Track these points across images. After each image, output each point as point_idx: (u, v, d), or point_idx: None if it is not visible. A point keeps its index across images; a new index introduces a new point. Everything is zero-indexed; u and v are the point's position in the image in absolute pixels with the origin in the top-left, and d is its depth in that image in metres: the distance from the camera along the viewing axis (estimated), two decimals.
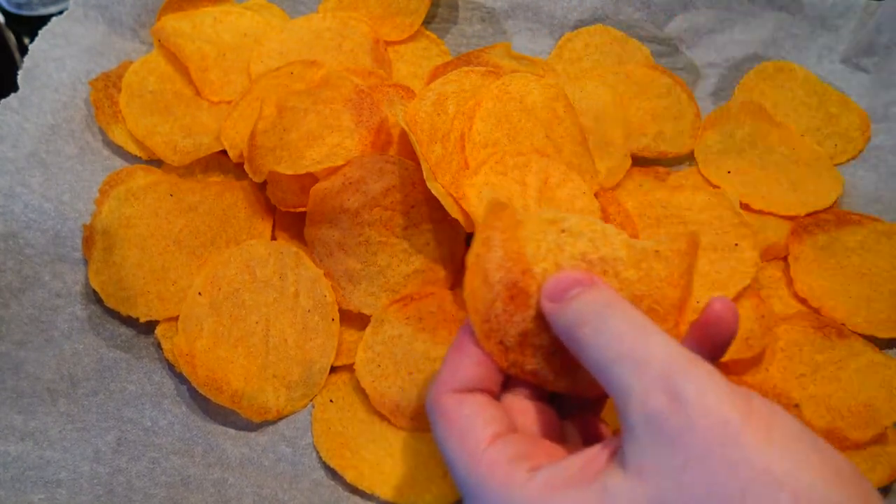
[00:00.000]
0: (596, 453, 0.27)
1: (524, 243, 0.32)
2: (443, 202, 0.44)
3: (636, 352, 0.26)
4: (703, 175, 0.55)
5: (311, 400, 0.46)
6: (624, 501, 0.25)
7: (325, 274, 0.47)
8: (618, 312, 0.28)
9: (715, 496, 0.23)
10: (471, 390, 0.31)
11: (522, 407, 0.32)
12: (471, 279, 0.32)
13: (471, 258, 0.32)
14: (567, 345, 0.30)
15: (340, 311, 0.47)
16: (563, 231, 0.32)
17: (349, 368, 0.47)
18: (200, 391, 0.45)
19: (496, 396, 0.32)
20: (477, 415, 0.30)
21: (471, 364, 0.32)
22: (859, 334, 0.47)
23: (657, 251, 0.32)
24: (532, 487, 0.27)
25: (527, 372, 0.32)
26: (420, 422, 0.44)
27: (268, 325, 0.47)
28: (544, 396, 0.33)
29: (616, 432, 0.32)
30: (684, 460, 0.24)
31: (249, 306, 0.47)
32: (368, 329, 0.46)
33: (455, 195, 0.45)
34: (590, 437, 0.33)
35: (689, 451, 0.24)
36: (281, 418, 0.46)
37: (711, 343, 0.30)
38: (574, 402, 0.34)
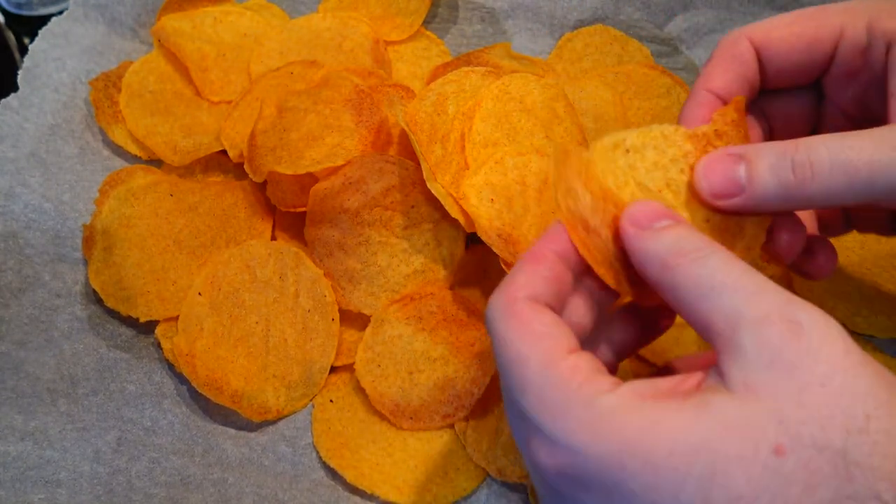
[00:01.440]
0: (682, 379, 0.26)
1: (604, 179, 0.31)
2: (443, 202, 0.44)
3: (749, 285, 0.26)
4: None
5: (311, 400, 0.46)
6: (733, 416, 0.24)
7: (325, 274, 0.47)
8: (720, 250, 0.27)
9: (838, 418, 0.23)
10: (545, 304, 0.29)
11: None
12: (573, 234, 0.31)
13: (563, 214, 0.31)
14: (647, 270, 0.29)
15: (340, 311, 0.47)
16: (627, 151, 0.32)
17: (349, 368, 0.47)
18: (200, 391, 0.45)
19: None
20: (557, 325, 0.28)
21: (551, 277, 0.29)
22: (859, 334, 0.47)
23: (715, 130, 0.32)
24: (620, 394, 0.25)
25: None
26: (420, 421, 0.44)
27: (268, 325, 0.47)
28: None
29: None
30: (805, 383, 0.23)
31: (249, 306, 0.47)
32: (368, 329, 0.46)
33: (455, 195, 0.45)
34: None
35: (810, 376, 0.24)
36: (281, 418, 0.46)
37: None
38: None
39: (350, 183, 0.47)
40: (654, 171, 0.32)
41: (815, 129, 0.38)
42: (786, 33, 0.33)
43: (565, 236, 0.30)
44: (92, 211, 0.51)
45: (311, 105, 0.51)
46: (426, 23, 0.61)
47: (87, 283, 0.49)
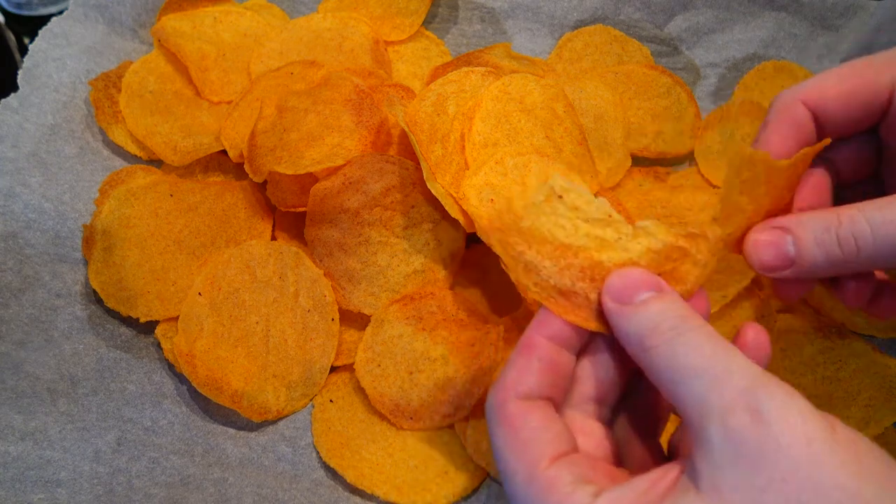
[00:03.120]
0: (661, 475, 0.26)
1: (553, 235, 0.30)
2: (443, 202, 0.44)
3: (716, 367, 0.25)
4: (703, 175, 0.55)
5: (311, 399, 0.46)
6: None
7: (325, 274, 0.47)
8: (695, 326, 0.27)
9: None
10: (537, 397, 0.30)
11: (585, 427, 0.31)
12: (554, 306, 0.30)
13: (533, 294, 0.30)
14: (628, 349, 0.29)
15: (340, 311, 0.47)
16: (560, 196, 0.30)
17: (349, 368, 0.47)
18: (201, 391, 0.44)
19: (559, 405, 0.31)
20: (544, 429, 0.29)
21: (541, 368, 0.30)
22: (859, 334, 0.47)
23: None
24: None
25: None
26: (420, 421, 0.44)
27: (268, 325, 0.47)
28: (605, 415, 0.32)
29: (673, 455, 0.31)
30: (768, 480, 0.23)
31: (249, 306, 0.47)
32: (368, 329, 0.46)
33: (455, 195, 0.45)
34: (649, 462, 0.32)
35: (773, 471, 0.23)
36: (281, 418, 0.46)
37: None
38: (635, 424, 0.33)
39: (350, 183, 0.47)
40: (594, 203, 0.31)
41: (876, 170, 0.38)
42: (841, 92, 0.33)
43: (551, 315, 0.30)
44: (92, 211, 0.51)
45: (311, 105, 0.51)
46: (426, 23, 0.61)
47: (87, 284, 0.49)
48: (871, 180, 0.38)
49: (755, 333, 0.30)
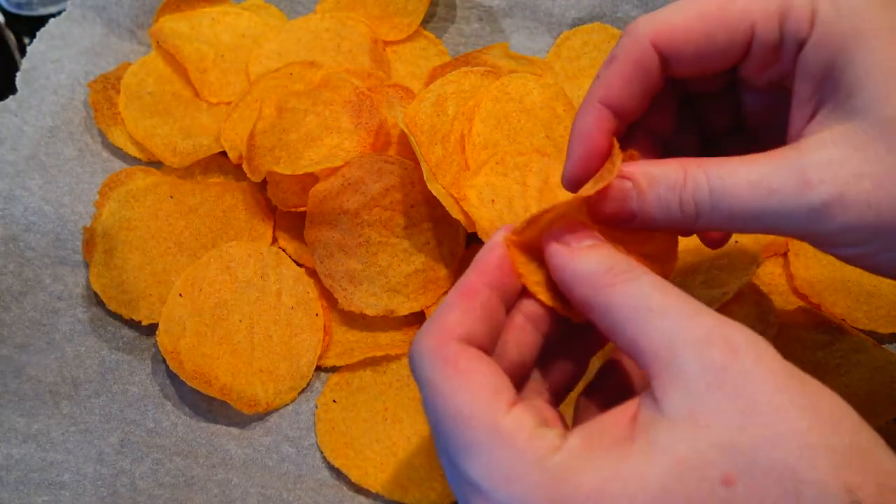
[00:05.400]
0: (622, 413, 0.25)
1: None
2: (444, 203, 0.44)
3: (685, 306, 0.25)
4: None
5: (298, 393, 0.46)
6: (682, 453, 0.23)
7: (325, 275, 0.48)
8: (647, 272, 0.27)
9: (782, 436, 0.23)
10: (476, 345, 0.28)
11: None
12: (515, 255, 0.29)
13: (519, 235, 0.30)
14: (575, 291, 0.28)
15: (342, 311, 0.47)
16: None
17: (352, 368, 0.47)
18: (190, 385, 0.44)
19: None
20: (496, 373, 0.26)
21: (483, 314, 0.28)
22: (860, 330, 0.47)
23: None
24: (570, 450, 0.24)
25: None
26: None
27: (251, 324, 0.47)
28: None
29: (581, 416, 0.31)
30: (748, 403, 0.23)
31: (231, 306, 0.47)
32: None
33: (456, 196, 0.45)
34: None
35: (752, 395, 0.23)
36: (271, 411, 0.46)
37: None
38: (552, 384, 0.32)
39: (349, 184, 0.47)
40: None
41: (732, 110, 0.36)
42: (694, 35, 0.30)
43: (496, 263, 0.29)
44: (92, 213, 0.51)
45: (310, 106, 0.51)
46: (424, 22, 0.61)
47: (88, 286, 0.49)
48: (740, 129, 0.36)
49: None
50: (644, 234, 0.31)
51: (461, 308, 0.28)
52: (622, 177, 0.30)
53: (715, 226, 0.30)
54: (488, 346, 0.28)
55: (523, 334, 0.30)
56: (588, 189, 0.30)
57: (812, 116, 0.30)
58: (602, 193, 0.30)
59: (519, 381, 0.30)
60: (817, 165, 0.28)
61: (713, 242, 0.38)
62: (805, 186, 0.27)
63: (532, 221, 0.29)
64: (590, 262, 0.27)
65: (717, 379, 0.24)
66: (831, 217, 0.28)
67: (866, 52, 0.28)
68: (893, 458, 0.23)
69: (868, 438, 0.23)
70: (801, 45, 0.29)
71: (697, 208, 0.29)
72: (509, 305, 0.30)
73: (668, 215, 0.30)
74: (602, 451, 0.24)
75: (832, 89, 0.29)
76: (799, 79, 0.30)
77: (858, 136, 0.28)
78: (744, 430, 0.23)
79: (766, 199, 0.28)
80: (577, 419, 0.31)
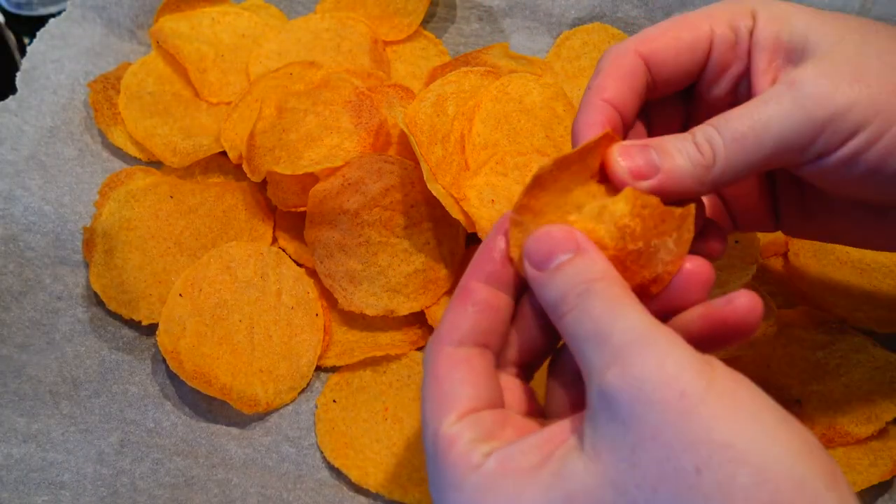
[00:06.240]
0: (558, 431, 0.26)
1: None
2: (444, 203, 0.44)
3: (602, 328, 0.25)
4: None
5: (298, 393, 0.46)
6: (578, 486, 0.23)
7: (325, 275, 0.48)
8: (599, 289, 0.26)
9: (668, 476, 0.22)
10: (471, 344, 0.29)
11: (508, 382, 0.30)
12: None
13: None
14: (549, 315, 0.28)
15: (342, 311, 0.47)
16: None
17: (351, 368, 0.47)
18: (190, 384, 0.44)
19: (498, 351, 0.30)
20: (464, 382, 0.28)
21: (476, 313, 0.29)
22: (860, 329, 0.47)
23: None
24: (483, 471, 0.25)
25: None
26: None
27: (251, 324, 0.47)
28: (528, 374, 0.32)
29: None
30: (638, 438, 0.23)
31: (231, 306, 0.47)
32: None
33: (456, 196, 0.45)
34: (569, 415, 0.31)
35: (642, 429, 0.23)
36: (271, 411, 0.46)
37: (722, 337, 0.28)
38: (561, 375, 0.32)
39: (349, 184, 0.47)
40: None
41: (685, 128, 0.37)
42: (668, 41, 0.33)
43: (488, 257, 0.30)
44: (92, 213, 0.51)
45: (310, 106, 0.51)
46: (424, 22, 0.61)
47: (88, 286, 0.49)
48: None
49: (747, 302, 0.28)
50: (649, 256, 0.31)
51: (454, 312, 0.29)
52: (635, 143, 0.31)
53: (731, 168, 0.31)
54: (493, 340, 0.30)
55: (529, 319, 0.31)
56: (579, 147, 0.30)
57: (774, 81, 0.32)
58: (625, 151, 0.31)
59: (535, 359, 0.31)
60: (809, 83, 0.30)
61: (711, 255, 0.37)
62: (806, 100, 0.30)
63: (534, 185, 0.29)
64: (552, 289, 0.28)
65: (612, 411, 0.23)
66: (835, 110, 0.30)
67: (800, 16, 0.32)
68: None
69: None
70: (750, 32, 0.33)
71: (713, 145, 0.30)
72: (519, 293, 0.30)
73: (690, 159, 0.31)
74: (511, 477, 0.25)
75: (784, 52, 0.32)
76: (755, 57, 0.33)
77: (825, 66, 0.31)
78: (634, 468, 0.23)
79: (771, 121, 0.30)
80: (547, 400, 0.31)
